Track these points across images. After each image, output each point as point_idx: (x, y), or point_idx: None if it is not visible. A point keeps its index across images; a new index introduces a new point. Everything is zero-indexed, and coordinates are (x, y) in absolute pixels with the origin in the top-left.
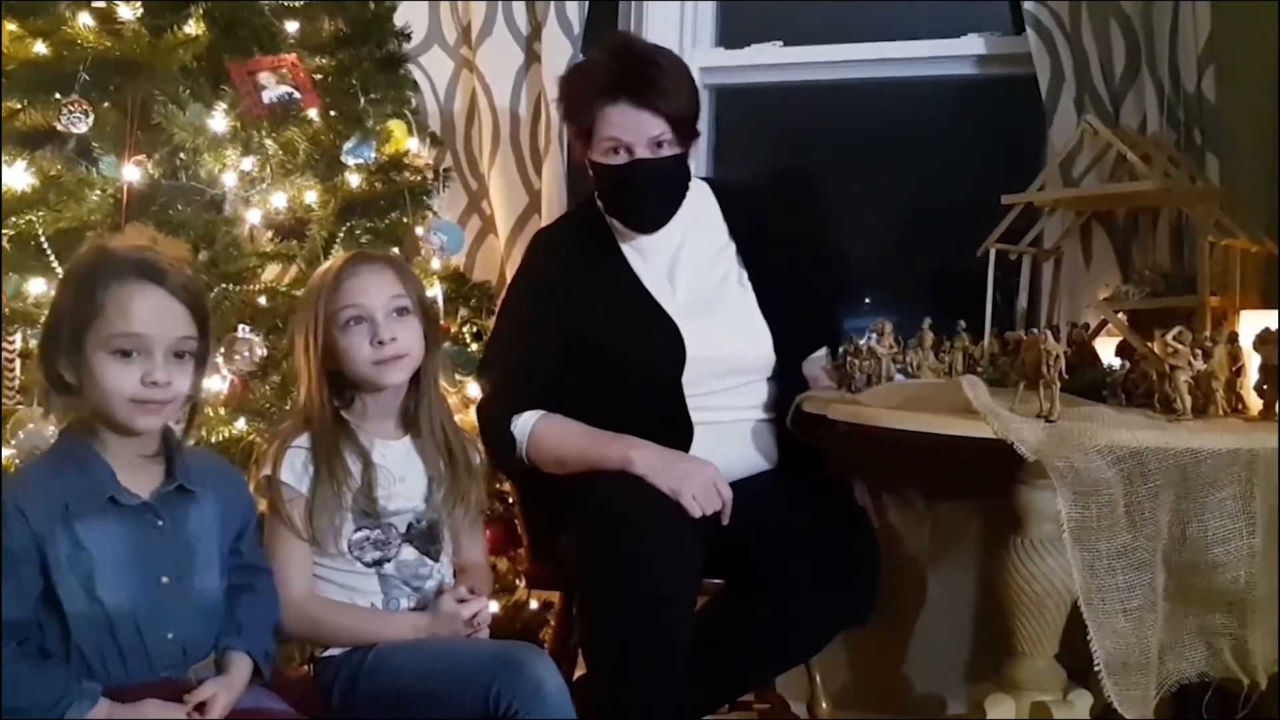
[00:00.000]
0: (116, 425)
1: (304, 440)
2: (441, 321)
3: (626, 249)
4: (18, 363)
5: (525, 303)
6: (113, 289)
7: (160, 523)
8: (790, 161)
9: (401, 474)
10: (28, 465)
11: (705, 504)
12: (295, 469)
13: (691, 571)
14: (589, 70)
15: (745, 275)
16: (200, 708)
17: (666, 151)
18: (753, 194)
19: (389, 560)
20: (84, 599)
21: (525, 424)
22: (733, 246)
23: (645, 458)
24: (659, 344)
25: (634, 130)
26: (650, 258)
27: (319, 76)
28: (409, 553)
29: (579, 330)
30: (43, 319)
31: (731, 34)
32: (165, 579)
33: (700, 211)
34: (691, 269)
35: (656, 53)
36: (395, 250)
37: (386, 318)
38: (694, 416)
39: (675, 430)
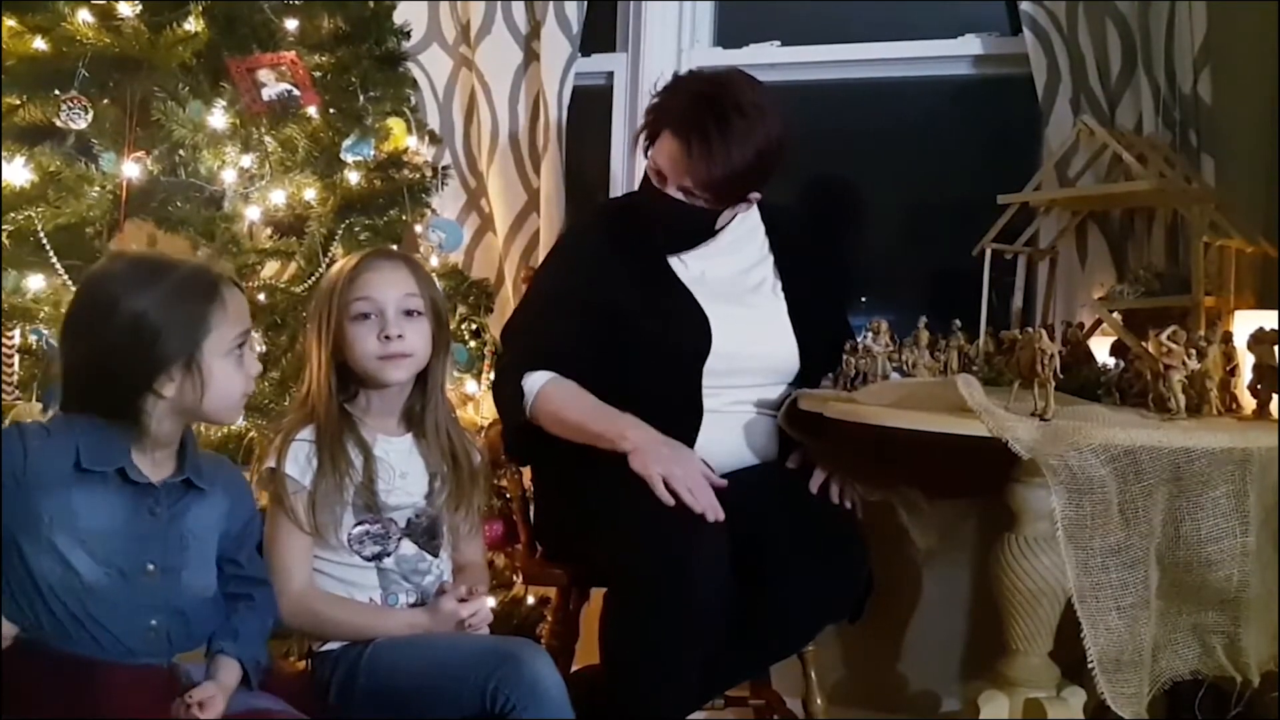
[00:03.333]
0: (218, 420)
1: (308, 433)
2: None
3: None
4: (16, 358)
5: (559, 274)
6: (215, 300)
7: (157, 510)
8: (787, 161)
9: (403, 470)
10: (46, 421)
11: (698, 492)
12: (299, 462)
13: (724, 571)
14: (686, 91)
15: (779, 286)
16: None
17: (697, 202)
18: (798, 218)
19: (388, 555)
20: (60, 563)
21: (536, 381)
22: (771, 259)
23: (639, 438)
24: (687, 330)
25: (674, 169)
26: (689, 257)
27: (318, 74)
28: (408, 548)
29: (610, 306)
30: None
31: (729, 34)
32: (151, 566)
33: (745, 226)
34: (727, 272)
35: (741, 115)
36: (394, 247)
37: (397, 315)
38: (705, 403)
39: (685, 414)
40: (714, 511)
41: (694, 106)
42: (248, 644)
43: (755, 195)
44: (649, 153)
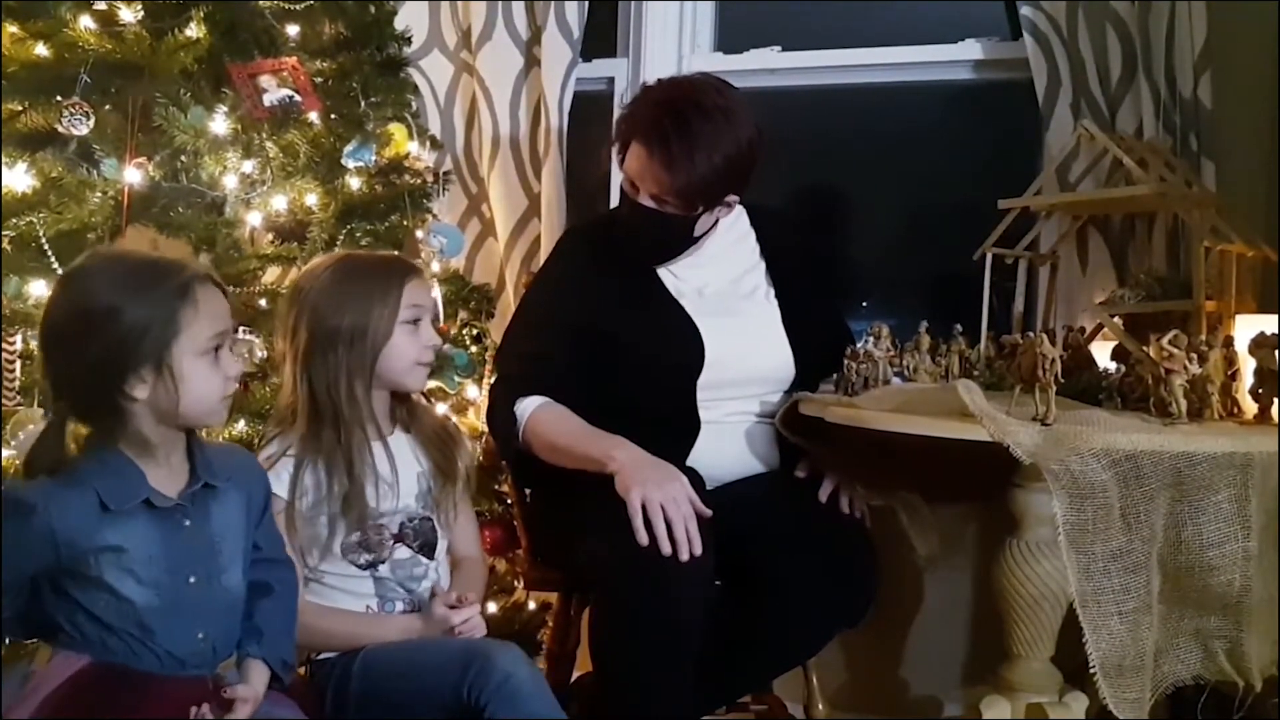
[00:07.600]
0: (199, 423)
1: (290, 446)
2: (442, 323)
3: None
4: (18, 364)
5: (548, 294)
6: (185, 300)
7: (187, 522)
8: (788, 166)
9: (392, 474)
10: (56, 476)
11: (675, 521)
12: (281, 477)
13: (707, 577)
14: (647, 99)
15: (772, 292)
16: (230, 705)
17: (669, 208)
18: (786, 219)
19: (382, 562)
20: (113, 596)
21: (527, 408)
22: (763, 265)
23: (625, 458)
24: (679, 343)
25: (641, 178)
26: (679, 269)
27: (319, 80)
28: (403, 553)
29: (600, 324)
30: (67, 352)
31: (730, 39)
32: (193, 578)
33: (735, 233)
34: (719, 282)
35: (703, 118)
36: (395, 253)
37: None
38: (702, 415)
39: (681, 428)
40: (686, 547)
41: (655, 113)
42: (273, 643)
43: (733, 199)
44: (622, 164)
